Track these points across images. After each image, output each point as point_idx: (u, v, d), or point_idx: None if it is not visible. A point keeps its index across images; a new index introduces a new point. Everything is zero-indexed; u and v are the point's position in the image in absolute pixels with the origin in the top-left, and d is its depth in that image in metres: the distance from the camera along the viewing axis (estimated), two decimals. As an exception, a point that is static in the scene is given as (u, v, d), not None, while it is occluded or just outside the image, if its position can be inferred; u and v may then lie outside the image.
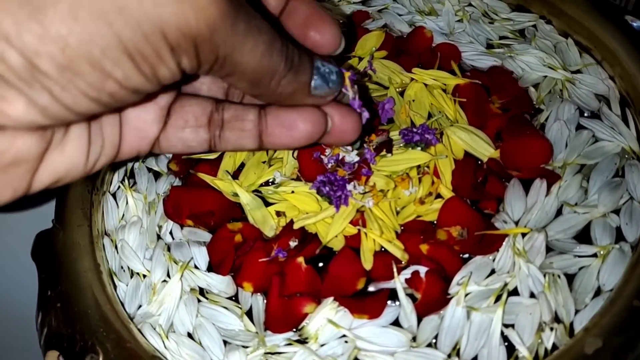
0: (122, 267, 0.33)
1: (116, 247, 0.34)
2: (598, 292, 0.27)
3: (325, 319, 0.28)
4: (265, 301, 0.30)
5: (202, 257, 0.32)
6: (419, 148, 0.33)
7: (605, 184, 0.30)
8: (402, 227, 0.31)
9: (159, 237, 0.34)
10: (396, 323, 0.28)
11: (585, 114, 0.34)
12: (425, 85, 0.37)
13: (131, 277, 0.33)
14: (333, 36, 0.26)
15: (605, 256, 0.28)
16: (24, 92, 0.18)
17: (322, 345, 0.28)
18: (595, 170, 0.31)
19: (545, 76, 0.36)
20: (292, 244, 0.31)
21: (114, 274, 0.33)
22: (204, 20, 0.19)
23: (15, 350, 0.39)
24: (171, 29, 0.19)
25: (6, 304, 0.40)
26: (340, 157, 0.33)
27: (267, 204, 0.33)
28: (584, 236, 0.29)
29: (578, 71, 0.36)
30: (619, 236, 0.29)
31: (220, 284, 0.31)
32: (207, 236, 0.33)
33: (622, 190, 0.30)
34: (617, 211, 0.29)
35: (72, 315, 0.30)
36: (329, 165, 0.33)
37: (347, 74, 0.28)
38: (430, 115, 0.35)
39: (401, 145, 0.34)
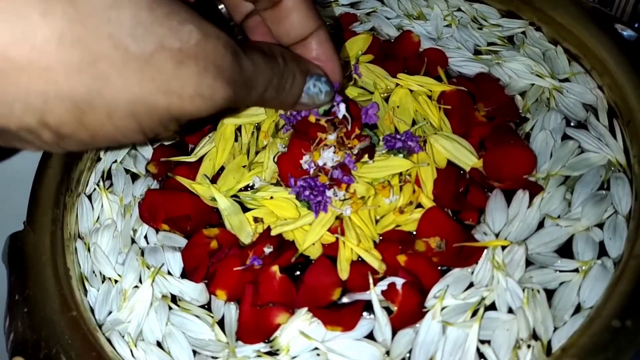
0: (93, 272, 0.32)
1: (89, 251, 0.33)
2: (578, 309, 0.26)
3: (298, 330, 0.27)
4: (238, 310, 0.29)
5: (176, 262, 0.32)
6: (401, 155, 0.32)
7: (589, 197, 0.29)
8: (381, 237, 0.30)
9: (133, 241, 0.34)
10: (370, 336, 0.27)
11: (572, 124, 0.33)
12: (411, 91, 0.36)
13: (102, 282, 0.32)
14: (335, 82, 0.30)
15: (587, 272, 0.27)
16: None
17: (293, 358, 0.27)
18: (580, 182, 0.30)
19: (533, 84, 0.35)
20: (267, 250, 0.30)
21: (85, 279, 0.32)
22: (214, 108, 0.22)
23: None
24: (185, 117, 0.21)
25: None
26: (321, 163, 0.32)
27: (246, 209, 0.33)
28: (565, 250, 0.28)
29: (566, 80, 0.35)
30: (602, 251, 0.28)
31: (193, 291, 0.31)
32: (182, 241, 0.33)
33: (607, 203, 0.29)
34: (600, 225, 0.29)
35: (38, 320, 0.29)
36: (310, 171, 0.32)
37: None
38: (414, 122, 0.35)
39: (383, 151, 0.33)
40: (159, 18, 0.19)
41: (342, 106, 0.32)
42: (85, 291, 0.32)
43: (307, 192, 0.31)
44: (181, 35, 0.20)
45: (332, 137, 0.32)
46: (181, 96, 0.20)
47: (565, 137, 0.32)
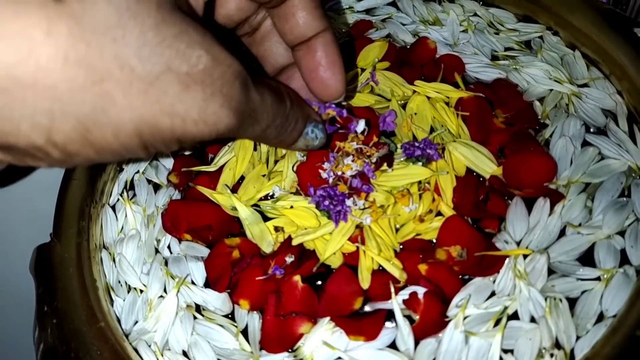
0: (119, 282, 0.33)
1: (114, 261, 0.34)
2: (600, 317, 0.26)
3: (321, 340, 0.28)
4: (261, 320, 0.30)
5: (199, 272, 0.32)
6: (420, 163, 0.33)
7: (610, 204, 0.29)
8: (401, 246, 0.31)
9: (157, 251, 0.34)
10: (393, 345, 0.28)
11: (592, 130, 0.33)
12: (428, 98, 0.36)
13: (128, 292, 0.33)
14: (336, 90, 0.29)
15: (609, 280, 0.27)
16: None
17: (317, 367, 0.28)
18: (601, 189, 0.30)
19: (551, 90, 0.35)
20: (289, 259, 0.30)
21: (112, 289, 0.33)
22: (216, 134, 0.22)
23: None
24: (188, 139, 0.21)
25: (7, 319, 0.40)
26: (341, 173, 0.32)
27: (266, 218, 0.33)
28: (587, 258, 0.28)
29: (585, 85, 0.35)
30: (624, 259, 0.28)
31: (217, 300, 0.31)
32: (205, 251, 0.33)
33: (628, 210, 0.29)
34: (622, 233, 0.29)
35: (67, 331, 0.29)
36: (330, 180, 0.33)
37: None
38: (432, 129, 0.35)
39: (402, 159, 0.33)
40: (166, 39, 0.19)
41: (362, 122, 0.32)
42: (112, 301, 0.32)
43: (326, 202, 0.32)
44: (189, 59, 0.20)
45: (354, 145, 0.33)
46: (185, 120, 0.20)
47: (585, 143, 0.32)
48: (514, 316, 0.27)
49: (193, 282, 0.32)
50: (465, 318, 0.27)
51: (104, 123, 0.19)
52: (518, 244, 0.29)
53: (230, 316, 0.31)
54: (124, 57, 0.18)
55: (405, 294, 0.28)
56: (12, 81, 0.17)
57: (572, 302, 0.27)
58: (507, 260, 0.28)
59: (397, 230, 0.31)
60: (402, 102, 0.37)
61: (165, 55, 0.19)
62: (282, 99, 0.26)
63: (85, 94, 0.18)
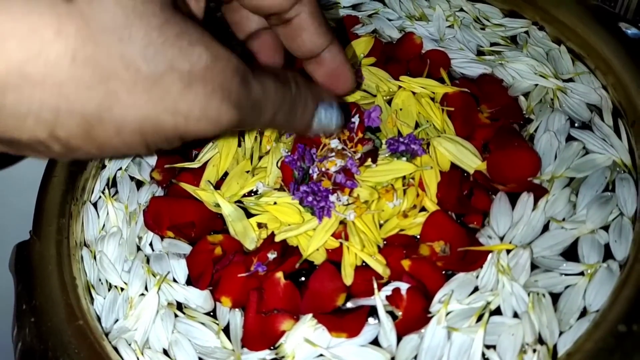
0: (100, 280, 0.33)
1: (95, 259, 0.33)
2: (584, 312, 0.26)
3: (302, 337, 0.28)
4: (243, 317, 0.29)
5: (181, 270, 0.32)
6: (405, 158, 0.32)
7: (594, 199, 0.29)
8: (385, 241, 0.30)
9: (138, 248, 0.34)
10: (375, 342, 0.27)
11: (576, 125, 0.33)
12: (413, 93, 0.36)
13: (109, 290, 0.32)
14: (347, 89, 0.31)
15: (593, 275, 0.27)
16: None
17: (298, 365, 0.27)
18: (585, 184, 0.30)
19: (536, 85, 0.35)
20: (271, 256, 0.30)
21: (92, 287, 0.32)
22: (219, 129, 0.22)
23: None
24: (190, 136, 0.22)
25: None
26: (324, 169, 0.32)
27: (249, 215, 0.33)
28: (571, 253, 0.28)
29: (570, 80, 0.35)
30: (608, 254, 0.28)
31: (198, 298, 0.31)
32: (187, 248, 0.33)
33: (612, 205, 0.29)
34: (606, 227, 0.28)
35: (45, 330, 0.29)
36: (314, 176, 0.32)
37: None
38: (417, 125, 0.35)
39: (387, 155, 0.33)
40: (169, 39, 0.19)
41: (356, 117, 0.32)
42: (92, 299, 0.32)
43: (310, 198, 0.31)
44: (191, 57, 0.20)
45: (334, 143, 0.32)
46: (187, 117, 0.21)
47: (570, 138, 0.32)
48: (497, 312, 0.27)
49: (175, 280, 0.32)
50: (447, 314, 0.27)
51: (108, 120, 0.19)
52: (501, 239, 0.29)
53: (211, 314, 0.30)
54: (129, 57, 0.19)
55: (388, 290, 0.28)
56: (21, 79, 0.18)
57: (556, 297, 0.27)
58: (490, 255, 0.28)
59: (380, 225, 0.31)
60: (388, 97, 0.36)
61: (168, 54, 0.19)
62: (287, 85, 0.26)
63: (91, 92, 0.19)
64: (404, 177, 0.32)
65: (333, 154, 0.32)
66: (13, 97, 0.18)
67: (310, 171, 0.33)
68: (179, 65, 0.20)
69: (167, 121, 0.20)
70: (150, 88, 0.19)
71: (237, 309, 0.30)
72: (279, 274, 0.29)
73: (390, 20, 0.41)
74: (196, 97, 0.20)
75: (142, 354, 0.29)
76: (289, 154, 0.34)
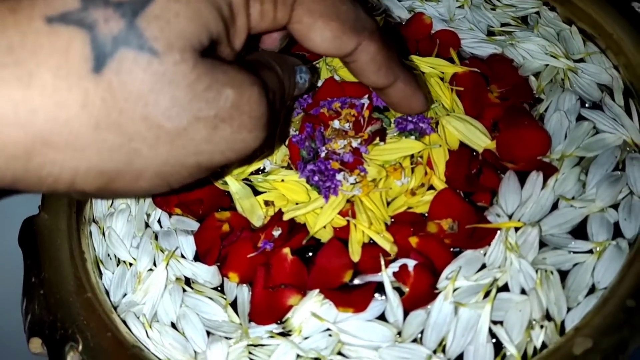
0: (108, 255, 0.33)
1: (103, 235, 0.34)
2: (592, 290, 0.26)
3: (310, 311, 0.28)
4: (250, 292, 0.30)
5: (189, 246, 0.32)
6: (413, 137, 0.32)
7: (604, 178, 0.29)
8: (392, 219, 0.30)
9: (146, 225, 0.34)
10: (382, 317, 0.27)
11: (587, 105, 0.33)
12: (423, 73, 0.36)
13: (117, 265, 0.32)
14: (421, 111, 0.32)
15: (601, 253, 0.27)
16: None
17: (305, 339, 0.27)
18: (595, 163, 0.30)
19: (547, 65, 0.35)
20: (276, 233, 0.30)
21: (100, 262, 0.33)
22: (247, 153, 0.23)
23: (7, 334, 0.39)
24: (216, 167, 0.23)
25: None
26: (333, 148, 0.32)
27: (257, 192, 0.33)
28: (579, 231, 0.28)
29: (581, 60, 0.35)
30: (617, 232, 0.27)
31: (206, 273, 0.31)
32: (195, 225, 0.33)
33: (622, 184, 0.29)
34: (615, 206, 0.28)
35: (54, 302, 0.29)
36: (322, 155, 0.32)
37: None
38: (426, 104, 0.34)
39: (395, 133, 0.33)
40: (197, 94, 0.19)
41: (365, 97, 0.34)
42: (100, 274, 0.32)
43: (316, 177, 0.31)
44: (217, 103, 0.20)
45: (336, 124, 0.32)
46: (212, 154, 0.21)
47: (580, 118, 0.32)
48: (505, 288, 0.27)
49: (183, 256, 0.32)
50: (455, 290, 0.27)
51: (127, 173, 0.20)
52: (510, 217, 0.29)
53: (219, 289, 0.31)
54: (153, 118, 0.19)
55: (395, 266, 0.28)
56: (46, 146, 0.18)
57: (564, 275, 0.27)
58: (498, 233, 0.28)
59: (388, 203, 0.31)
60: (396, 77, 0.36)
61: (194, 108, 0.20)
62: (275, 70, 0.26)
63: (112, 153, 0.19)
64: (412, 156, 0.32)
65: (337, 137, 0.32)
66: (37, 161, 0.18)
67: (319, 151, 0.33)
68: (205, 114, 0.20)
69: (190, 161, 0.20)
70: (173, 140, 0.20)
71: (244, 285, 0.30)
72: (286, 250, 0.29)
73: (399, 1, 0.41)
74: (222, 137, 0.21)
75: (151, 327, 0.29)
76: (297, 133, 0.34)
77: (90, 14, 0.18)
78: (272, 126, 0.23)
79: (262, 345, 0.28)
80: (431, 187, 0.31)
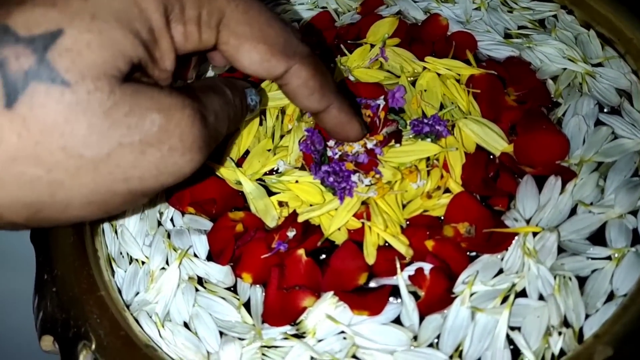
0: (121, 253, 0.33)
1: (116, 233, 0.33)
2: (611, 296, 0.26)
3: (324, 313, 0.27)
4: (264, 293, 0.29)
5: (202, 245, 0.32)
6: (429, 139, 0.32)
7: (623, 184, 0.29)
8: (408, 222, 0.30)
9: (159, 223, 0.34)
10: (397, 321, 0.27)
11: (605, 110, 0.32)
12: (438, 74, 0.35)
13: (130, 264, 0.32)
14: (357, 138, 0.32)
15: (620, 259, 0.27)
16: None
17: (319, 341, 0.27)
18: (613, 168, 0.29)
19: (565, 68, 0.34)
20: (290, 234, 0.30)
21: (113, 260, 0.32)
22: (184, 177, 0.23)
23: (18, 332, 0.39)
24: (152, 193, 0.22)
25: (7, 286, 0.39)
26: (346, 150, 0.32)
27: (270, 193, 0.33)
28: (598, 237, 0.28)
29: (599, 64, 0.34)
30: (635, 239, 0.27)
31: (219, 273, 0.31)
32: (208, 224, 0.33)
33: (641, 190, 0.28)
34: (634, 212, 0.28)
35: (66, 300, 0.29)
36: (336, 157, 0.32)
37: None
38: (442, 106, 0.34)
39: (411, 136, 0.33)
40: (117, 121, 0.20)
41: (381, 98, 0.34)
42: (113, 272, 0.32)
43: (331, 179, 0.31)
44: (141, 128, 0.20)
45: None
46: (143, 179, 0.21)
47: (599, 123, 0.32)
48: (522, 294, 0.26)
49: (195, 255, 0.31)
50: (471, 295, 0.27)
51: (53, 203, 0.20)
52: (528, 221, 0.28)
53: (232, 289, 0.30)
54: (71, 147, 0.19)
55: (411, 270, 0.28)
56: None
57: (582, 281, 0.26)
58: (516, 237, 0.28)
59: (404, 206, 0.31)
60: (412, 78, 0.36)
61: (115, 135, 0.20)
62: (222, 91, 0.26)
63: (33, 185, 0.19)
64: (428, 158, 0.32)
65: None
66: None
67: (330, 153, 0.33)
68: (129, 139, 0.20)
69: (120, 188, 0.20)
70: (96, 168, 0.20)
71: (257, 285, 0.30)
72: (301, 251, 0.29)
73: (415, 1, 0.41)
74: (150, 162, 0.21)
75: (163, 326, 0.29)
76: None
77: (0, 52, 0.18)
78: (211, 148, 0.24)
79: (276, 346, 0.28)
80: (447, 190, 0.31)
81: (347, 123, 0.30)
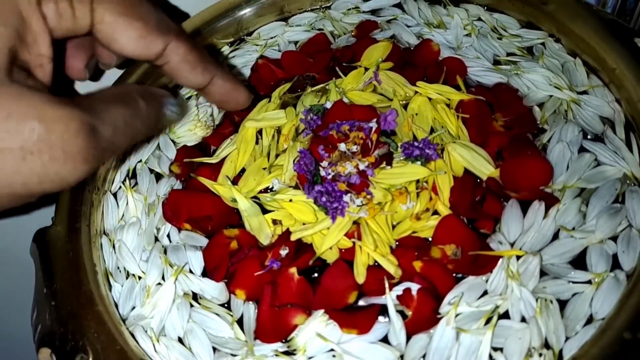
0: (118, 268, 0.34)
1: (114, 247, 0.34)
2: (590, 320, 0.27)
3: (314, 331, 0.28)
4: (256, 310, 0.30)
5: (197, 261, 0.33)
6: (419, 162, 0.33)
7: (604, 210, 0.30)
8: (397, 242, 0.31)
9: (156, 239, 0.35)
10: (385, 340, 0.28)
11: (589, 137, 0.34)
12: (429, 99, 0.37)
13: (126, 278, 0.33)
14: (244, 105, 0.34)
15: (600, 283, 0.28)
16: None
17: (309, 358, 0.28)
18: (595, 194, 0.30)
19: (551, 96, 0.36)
20: (283, 252, 0.31)
21: (110, 274, 0.33)
22: (69, 185, 0.23)
23: (18, 344, 0.40)
24: (37, 195, 0.22)
25: (7, 301, 0.40)
26: (338, 171, 0.33)
27: (265, 211, 0.34)
28: (579, 262, 0.29)
29: (584, 92, 0.36)
30: (615, 264, 0.28)
31: (214, 290, 0.31)
32: (203, 241, 0.34)
33: (622, 216, 0.29)
34: (614, 238, 0.29)
35: (64, 314, 0.30)
36: (329, 177, 0.33)
37: None
38: (432, 130, 0.35)
39: (402, 158, 0.34)
40: None
41: (374, 121, 0.35)
42: (110, 286, 0.33)
43: (324, 198, 0.32)
44: (21, 134, 0.20)
45: (342, 147, 0.33)
46: (26, 184, 0.21)
47: (582, 149, 0.33)
48: (505, 315, 0.27)
49: (191, 271, 0.32)
50: (457, 315, 0.28)
51: None
52: (512, 245, 0.30)
53: (226, 305, 0.31)
54: None
55: (399, 289, 0.29)
56: None
57: (563, 304, 0.27)
58: (500, 260, 0.29)
59: (393, 227, 0.32)
60: (404, 102, 0.37)
61: None
62: (134, 104, 0.26)
63: None
64: (417, 181, 0.33)
65: (342, 160, 0.33)
66: None
67: (323, 173, 0.34)
68: (8, 145, 0.20)
69: (4, 191, 0.21)
70: None
71: (250, 302, 0.31)
72: (293, 270, 0.30)
73: (408, 26, 0.42)
74: (31, 169, 0.21)
75: (158, 341, 0.30)
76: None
77: None
78: (103, 159, 0.24)
79: (267, 363, 0.28)
80: (436, 212, 0.32)
81: (234, 90, 0.31)
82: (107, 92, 0.26)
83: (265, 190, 0.35)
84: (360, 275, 0.30)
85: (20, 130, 0.20)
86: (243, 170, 0.36)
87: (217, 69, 0.30)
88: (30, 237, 0.34)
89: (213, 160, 0.37)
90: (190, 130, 0.39)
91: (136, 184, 0.37)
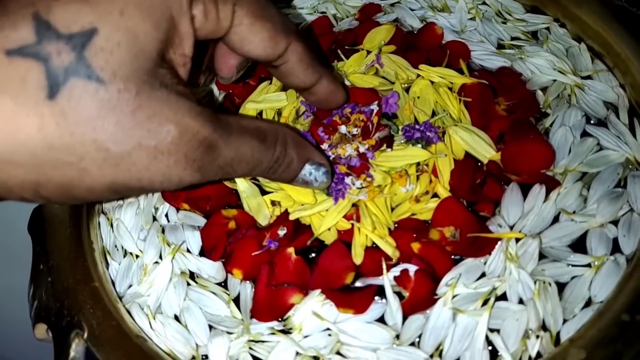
0: (115, 246, 0.33)
1: (112, 226, 0.34)
2: (588, 303, 0.27)
3: (311, 311, 0.28)
4: (253, 289, 0.30)
5: (195, 241, 0.33)
6: (420, 145, 0.33)
7: (605, 194, 0.30)
8: (396, 224, 0.31)
9: (154, 218, 0.34)
10: (381, 320, 0.28)
11: (592, 121, 0.33)
12: (432, 82, 0.36)
13: (124, 257, 0.33)
14: (342, 104, 0.34)
15: (599, 267, 0.27)
16: None
17: (305, 337, 0.28)
18: (597, 179, 0.30)
19: (555, 80, 0.35)
20: (281, 232, 0.30)
21: (108, 253, 0.33)
22: (181, 187, 0.24)
23: (11, 320, 0.40)
24: (155, 191, 0.25)
25: (4, 276, 0.40)
26: (339, 153, 0.33)
27: (264, 192, 0.33)
28: (579, 245, 0.28)
29: (588, 77, 0.35)
30: (615, 247, 0.28)
31: (211, 269, 0.31)
32: (201, 221, 0.33)
33: (623, 201, 0.29)
34: (615, 222, 0.29)
35: (61, 290, 0.30)
36: (331, 158, 0.33)
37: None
38: (434, 113, 0.35)
39: (402, 141, 0.34)
40: (140, 122, 0.21)
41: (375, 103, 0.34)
42: (107, 264, 0.33)
43: None
44: (158, 134, 0.22)
45: (343, 129, 0.33)
46: (152, 181, 0.23)
47: (585, 134, 0.32)
48: (503, 297, 0.27)
49: (188, 250, 0.32)
50: (454, 297, 0.27)
51: (81, 186, 0.22)
52: (511, 227, 0.29)
53: (223, 284, 0.31)
54: (100, 141, 0.21)
55: (396, 271, 0.29)
56: (6, 164, 0.20)
57: (562, 287, 0.27)
58: (499, 243, 0.29)
59: (392, 209, 0.31)
60: (406, 85, 0.37)
61: (137, 135, 0.21)
62: (270, 147, 0.27)
63: (66, 169, 0.21)
64: (417, 164, 0.32)
65: (342, 142, 0.33)
66: (1, 177, 0.21)
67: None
68: (146, 142, 0.22)
69: (133, 184, 0.23)
70: (118, 163, 0.22)
71: (247, 281, 0.31)
72: (291, 249, 0.30)
73: (412, 10, 0.42)
74: (159, 168, 0.22)
75: (154, 318, 0.30)
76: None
77: (44, 47, 0.20)
78: (215, 176, 0.25)
79: (263, 341, 0.28)
80: (435, 195, 0.31)
81: (336, 90, 0.32)
82: (249, 122, 0.27)
83: (265, 171, 0.35)
84: (357, 256, 0.30)
85: (159, 130, 0.22)
86: (243, 152, 0.36)
87: (324, 69, 0.31)
88: (28, 214, 0.34)
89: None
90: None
91: (135, 163, 0.37)
